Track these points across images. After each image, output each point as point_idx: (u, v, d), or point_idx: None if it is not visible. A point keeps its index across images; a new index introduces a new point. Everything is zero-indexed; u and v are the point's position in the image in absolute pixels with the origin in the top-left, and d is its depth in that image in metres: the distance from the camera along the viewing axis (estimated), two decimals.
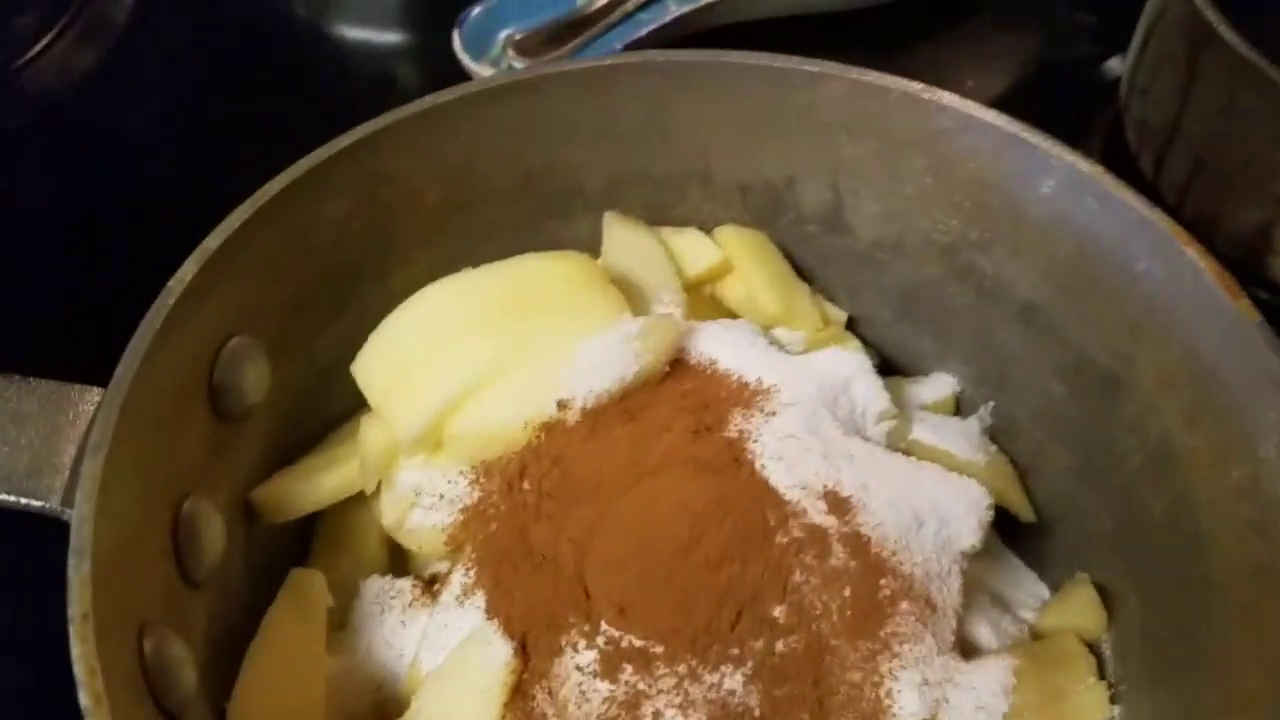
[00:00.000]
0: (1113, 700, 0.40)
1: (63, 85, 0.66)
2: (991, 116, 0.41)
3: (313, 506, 0.42)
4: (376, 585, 0.41)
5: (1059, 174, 0.41)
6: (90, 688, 0.28)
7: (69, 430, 0.34)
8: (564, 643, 0.36)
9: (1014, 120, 0.41)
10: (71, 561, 0.31)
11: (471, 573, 0.38)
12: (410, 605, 0.40)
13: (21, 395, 0.35)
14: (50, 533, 0.32)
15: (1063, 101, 0.65)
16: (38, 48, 0.66)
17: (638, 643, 0.36)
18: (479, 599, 0.38)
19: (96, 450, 0.33)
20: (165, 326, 0.36)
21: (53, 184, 0.62)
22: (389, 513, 0.41)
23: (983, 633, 0.41)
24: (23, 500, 0.33)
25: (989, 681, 0.38)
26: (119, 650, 0.31)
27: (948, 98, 0.41)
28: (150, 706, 0.31)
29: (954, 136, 0.42)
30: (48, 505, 0.33)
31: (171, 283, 0.37)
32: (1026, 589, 0.45)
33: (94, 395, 0.35)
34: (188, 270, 0.37)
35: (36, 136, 0.64)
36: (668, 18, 0.63)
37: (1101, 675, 0.41)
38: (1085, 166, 0.40)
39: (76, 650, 0.29)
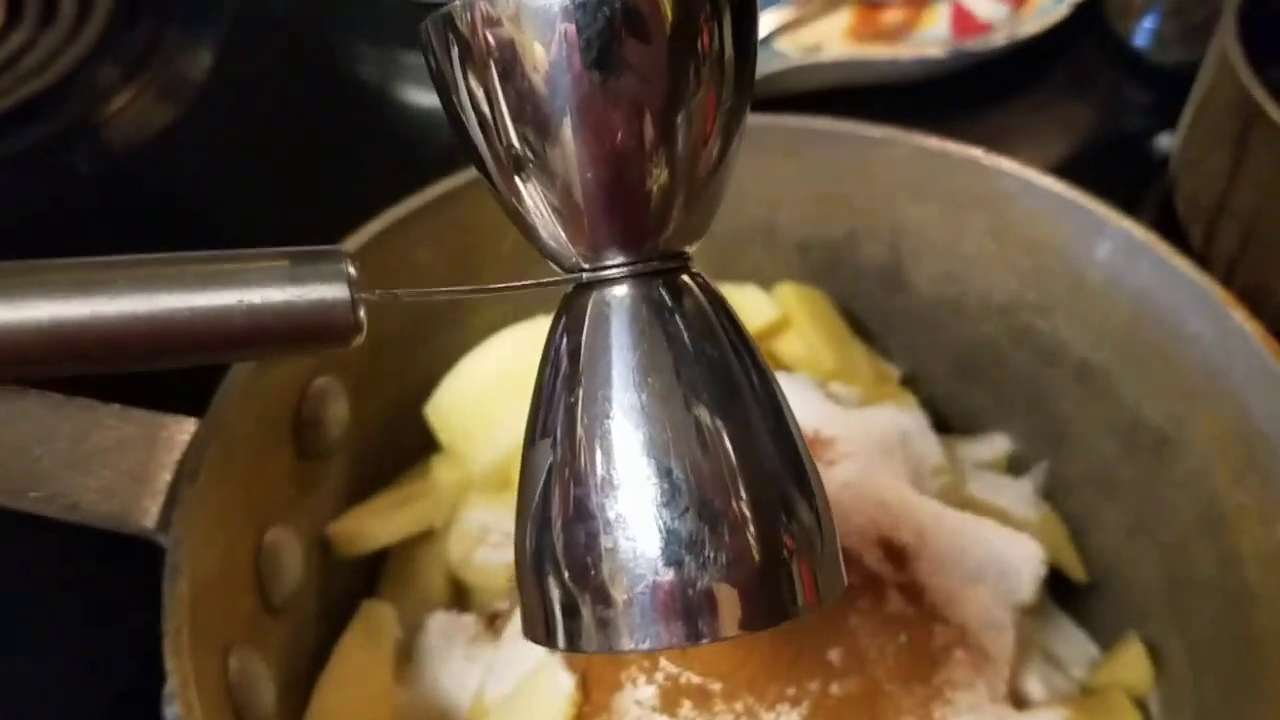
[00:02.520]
0: None
1: (140, 138, 0.69)
2: (1050, 182, 0.43)
3: (385, 542, 0.43)
4: (442, 620, 0.42)
5: (1114, 239, 0.42)
6: (183, 699, 0.30)
7: (166, 457, 0.36)
8: (624, 678, 0.37)
9: (1071, 186, 0.43)
10: (167, 579, 0.32)
11: None
12: (474, 640, 0.41)
13: (123, 423, 0.36)
14: (133, 557, 0.34)
15: (1115, 174, 0.67)
16: (119, 101, 0.69)
17: (696, 679, 0.37)
18: None
19: (192, 477, 0.35)
20: (260, 365, 0.38)
21: (127, 235, 0.64)
22: (456, 549, 0.43)
23: (1034, 688, 0.41)
24: (122, 524, 0.35)
25: None
26: (207, 665, 0.32)
27: (1006, 163, 0.43)
28: None
29: (1014, 200, 0.43)
30: (145, 528, 0.34)
31: None
32: (1077, 647, 0.45)
33: (190, 425, 0.36)
34: None
35: (112, 187, 0.67)
36: None
37: None
38: (1139, 233, 0.41)
39: (171, 663, 0.31)
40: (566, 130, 0.23)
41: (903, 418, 0.44)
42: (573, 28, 0.22)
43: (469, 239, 0.43)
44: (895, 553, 0.39)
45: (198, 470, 0.35)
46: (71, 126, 0.67)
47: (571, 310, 0.25)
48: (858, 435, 0.43)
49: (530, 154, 0.23)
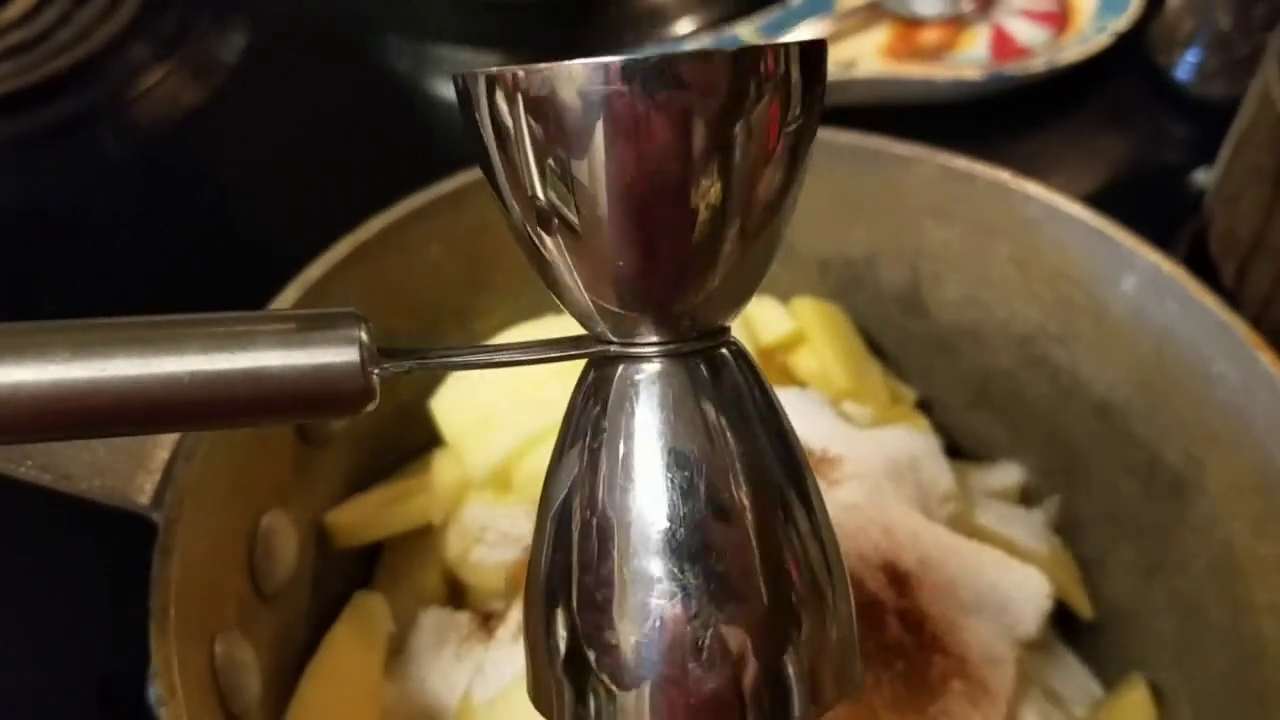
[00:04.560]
0: None
1: (170, 119, 0.69)
2: (1078, 210, 0.42)
3: (383, 534, 0.43)
4: (435, 616, 0.42)
5: (1141, 272, 0.41)
6: (165, 680, 0.30)
7: (164, 435, 0.36)
8: None
9: (1099, 215, 0.42)
10: (156, 560, 0.32)
11: None
12: (466, 639, 0.41)
13: None
14: (126, 535, 0.34)
15: (1150, 206, 0.66)
16: (150, 81, 0.69)
17: None
18: None
19: (189, 457, 0.34)
20: None
21: (153, 214, 0.64)
22: (453, 547, 0.42)
23: None
24: (117, 499, 0.34)
25: None
26: (193, 648, 0.32)
27: (1034, 188, 0.42)
28: (216, 707, 0.33)
29: (1039, 227, 0.43)
30: (138, 504, 0.34)
31: (271, 307, 0.38)
32: (1080, 686, 0.44)
33: None
34: (288, 297, 0.39)
35: (141, 167, 0.67)
36: None
37: None
38: (1167, 267, 0.41)
39: (155, 643, 0.30)
40: (602, 202, 0.21)
41: (914, 441, 0.43)
42: (615, 100, 0.20)
43: (482, 237, 0.43)
44: (898, 578, 0.38)
45: (195, 449, 0.35)
46: (101, 104, 0.68)
47: (597, 379, 0.23)
48: (866, 456, 0.42)
49: (563, 223, 0.21)
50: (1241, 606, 0.39)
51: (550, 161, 0.21)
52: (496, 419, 0.41)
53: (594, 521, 0.23)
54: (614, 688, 0.22)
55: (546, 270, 0.23)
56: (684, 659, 0.22)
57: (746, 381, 0.24)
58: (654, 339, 0.23)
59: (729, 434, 0.23)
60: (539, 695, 0.24)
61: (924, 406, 0.49)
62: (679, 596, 0.22)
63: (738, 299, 0.24)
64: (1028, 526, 0.45)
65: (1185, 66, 0.70)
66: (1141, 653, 0.43)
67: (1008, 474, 0.47)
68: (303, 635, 0.40)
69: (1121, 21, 0.69)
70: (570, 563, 0.23)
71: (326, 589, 0.42)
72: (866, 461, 0.41)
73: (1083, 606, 0.45)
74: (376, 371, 0.22)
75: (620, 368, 0.23)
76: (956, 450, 0.48)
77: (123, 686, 0.38)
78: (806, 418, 0.43)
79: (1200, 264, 0.59)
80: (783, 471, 0.24)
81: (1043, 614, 0.40)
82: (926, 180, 0.44)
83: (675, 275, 0.22)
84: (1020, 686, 0.39)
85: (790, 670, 0.23)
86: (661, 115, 0.20)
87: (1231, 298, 0.55)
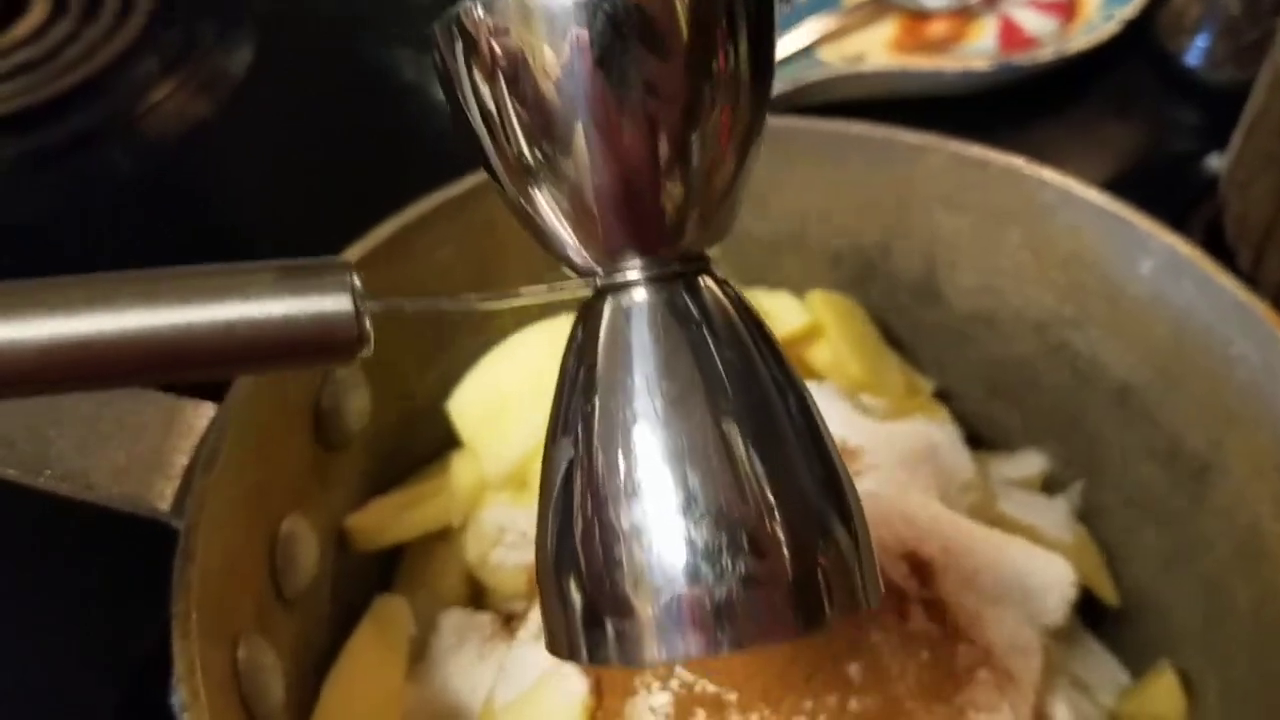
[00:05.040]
0: None
1: (178, 134, 0.70)
2: (1093, 194, 0.42)
3: (403, 537, 0.43)
4: (456, 618, 0.41)
5: (1158, 255, 0.41)
6: (188, 684, 0.29)
7: (182, 442, 0.36)
8: (638, 684, 0.36)
9: (1114, 199, 0.42)
10: (177, 564, 0.32)
11: None
12: (488, 640, 0.41)
13: (141, 406, 0.36)
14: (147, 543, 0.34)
15: (1162, 194, 0.65)
16: (157, 96, 0.69)
17: (711, 689, 0.36)
18: None
19: (209, 463, 0.34)
20: None
21: (162, 229, 0.65)
22: (472, 549, 0.42)
23: (1061, 713, 0.40)
24: (137, 506, 0.34)
25: None
26: (215, 653, 0.32)
27: (1048, 173, 0.42)
28: (240, 711, 0.32)
29: (1053, 212, 0.42)
30: (159, 511, 0.34)
31: None
32: (1107, 674, 0.44)
33: (208, 410, 0.36)
34: None
35: (150, 182, 0.67)
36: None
37: None
38: (1184, 248, 0.40)
39: (178, 648, 0.30)
40: (578, 134, 0.22)
41: (933, 431, 0.43)
42: (583, 31, 0.21)
43: (491, 238, 0.43)
44: (920, 567, 0.38)
45: (215, 455, 0.34)
46: (111, 119, 0.68)
47: (588, 317, 0.25)
48: (885, 446, 0.42)
49: (541, 158, 0.23)
50: (1268, 590, 0.38)
51: (521, 91, 0.22)
52: (514, 417, 0.41)
53: (596, 447, 0.23)
54: (631, 602, 0.23)
55: (530, 213, 0.24)
56: (696, 562, 0.22)
57: (729, 299, 0.25)
58: (637, 264, 0.24)
59: (717, 347, 0.24)
60: (554, 637, 0.25)
61: (942, 397, 0.48)
62: (684, 499, 0.22)
63: (717, 223, 0.24)
64: (1051, 514, 0.45)
65: (1194, 52, 0.70)
66: (1168, 639, 0.43)
67: (1029, 462, 0.47)
68: (324, 639, 0.40)
69: (1129, 9, 0.69)
70: (574, 495, 0.24)
71: (347, 592, 0.41)
72: (885, 452, 0.41)
73: (1108, 593, 0.44)
74: (368, 309, 0.23)
75: (607, 301, 0.24)
76: (976, 440, 0.47)
77: (145, 692, 0.38)
78: (824, 411, 0.42)
79: (1216, 250, 0.58)
80: (773, 379, 0.24)
81: (1068, 602, 0.40)
82: (938, 169, 0.44)
83: (652, 193, 0.23)
84: (1047, 675, 0.39)
85: (804, 569, 0.23)
86: (621, 23, 0.21)
87: (1248, 283, 0.55)
